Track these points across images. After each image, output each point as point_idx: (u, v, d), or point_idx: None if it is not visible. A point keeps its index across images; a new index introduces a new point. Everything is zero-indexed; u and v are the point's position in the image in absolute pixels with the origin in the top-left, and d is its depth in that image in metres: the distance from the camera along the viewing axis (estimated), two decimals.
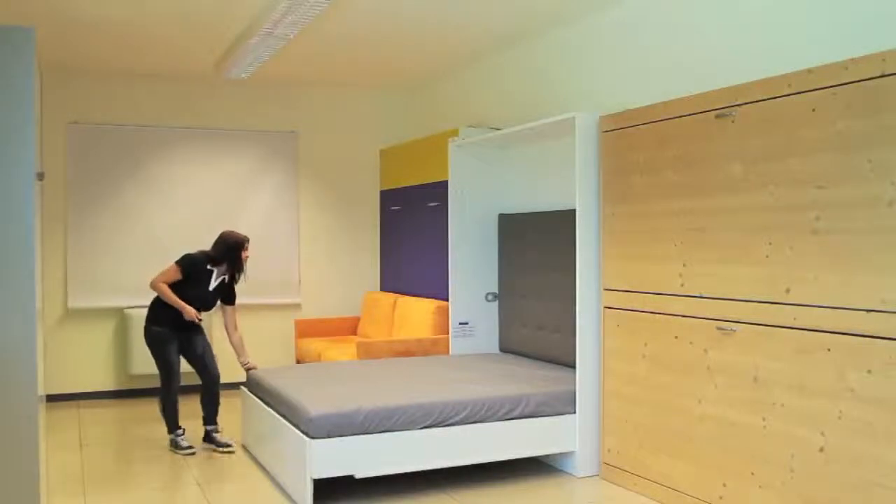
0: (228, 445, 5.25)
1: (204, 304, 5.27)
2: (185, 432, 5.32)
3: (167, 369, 5.22)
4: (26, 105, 3.13)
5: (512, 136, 5.56)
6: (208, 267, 5.25)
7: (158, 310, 5.23)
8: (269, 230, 7.55)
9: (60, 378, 6.91)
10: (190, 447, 5.22)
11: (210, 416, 5.36)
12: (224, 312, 5.43)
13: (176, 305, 5.13)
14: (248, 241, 5.33)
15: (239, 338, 5.43)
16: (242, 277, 5.38)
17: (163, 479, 4.70)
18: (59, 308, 6.96)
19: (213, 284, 5.27)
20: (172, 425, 5.30)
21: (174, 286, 5.16)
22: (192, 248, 5.33)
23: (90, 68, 6.85)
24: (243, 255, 5.28)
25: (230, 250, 5.25)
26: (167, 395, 5.27)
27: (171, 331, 5.21)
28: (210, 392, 5.35)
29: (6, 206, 3.11)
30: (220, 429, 5.40)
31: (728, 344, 3.79)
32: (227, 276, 5.33)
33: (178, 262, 5.21)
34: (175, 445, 5.26)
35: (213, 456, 5.15)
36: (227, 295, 5.39)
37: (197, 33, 5.74)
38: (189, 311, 5.13)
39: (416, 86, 7.71)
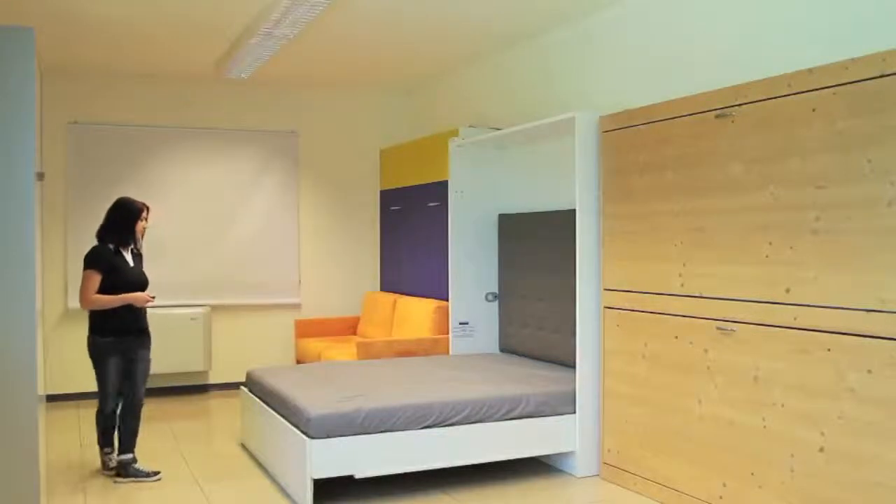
0: (156, 473, 4.67)
1: (140, 285, 4.66)
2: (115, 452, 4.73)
3: (105, 388, 4.61)
4: (26, 105, 3.14)
5: (512, 136, 5.56)
6: (110, 247, 4.60)
7: (98, 318, 4.58)
8: (269, 230, 7.55)
9: (60, 378, 6.90)
10: (155, 473, 4.67)
11: (129, 444, 4.67)
12: None
13: (122, 302, 4.53)
14: (146, 208, 4.72)
15: None
16: (142, 247, 4.75)
17: (162, 478, 4.69)
18: (59, 308, 6.96)
19: (131, 261, 4.67)
20: (120, 444, 4.69)
21: (103, 288, 4.53)
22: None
23: (90, 68, 6.85)
24: (139, 225, 4.66)
25: (120, 221, 4.63)
26: (101, 415, 4.68)
27: (116, 341, 4.59)
28: (134, 416, 4.67)
29: (6, 206, 3.11)
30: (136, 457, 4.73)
31: (728, 344, 3.79)
32: (134, 247, 4.71)
33: (86, 264, 4.55)
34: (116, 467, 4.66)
35: (214, 456, 5.15)
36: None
37: (197, 33, 5.74)
38: (139, 297, 4.56)
39: (416, 86, 7.71)
